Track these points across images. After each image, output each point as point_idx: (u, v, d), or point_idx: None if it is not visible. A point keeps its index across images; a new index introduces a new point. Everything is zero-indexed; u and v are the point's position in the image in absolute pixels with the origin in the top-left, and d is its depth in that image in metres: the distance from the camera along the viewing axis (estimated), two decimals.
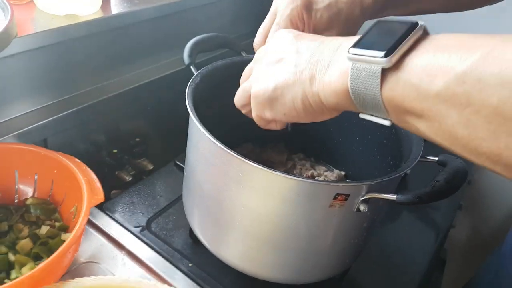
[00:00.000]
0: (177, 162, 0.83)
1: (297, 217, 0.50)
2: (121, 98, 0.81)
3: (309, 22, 0.53)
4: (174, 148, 0.84)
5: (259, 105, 0.44)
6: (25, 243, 0.58)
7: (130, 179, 0.84)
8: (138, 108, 0.87)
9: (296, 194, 0.48)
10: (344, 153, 0.75)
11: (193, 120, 0.51)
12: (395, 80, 0.32)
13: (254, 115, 0.46)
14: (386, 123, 0.35)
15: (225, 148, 0.47)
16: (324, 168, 0.77)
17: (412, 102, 0.31)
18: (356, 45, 0.34)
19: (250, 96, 0.45)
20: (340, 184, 0.50)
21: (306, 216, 0.50)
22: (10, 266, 0.56)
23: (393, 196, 0.46)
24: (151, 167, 0.87)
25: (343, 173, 0.75)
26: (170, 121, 0.86)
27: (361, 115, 0.37)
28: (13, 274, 0.55)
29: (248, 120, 0.49)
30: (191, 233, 0.68)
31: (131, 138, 0.87)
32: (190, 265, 0.64)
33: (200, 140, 0.52)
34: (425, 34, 0.32)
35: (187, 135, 0.59)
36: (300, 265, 0.56)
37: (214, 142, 0.48)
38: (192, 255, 0.65)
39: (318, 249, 0.54)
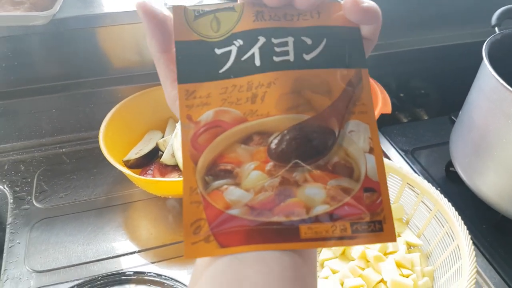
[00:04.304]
0: (452, 117, 0.95)
1: None
2: (414, 53, 0.98)
3: None
4: (451, 106, 0.96)
5: None
6: None
7: (406, 121, 1.01)
8: (428, 66, 1.02)
9: None
10: None
11: (485, 61, 0.63)
12: None
13: None
14: None
15: (506, 85, 0.58)
16: None
17: None
18: None
19: None
20: None
21: None
22: None
23: None
24: (426, 118, 1.01)
25: None
26: (453, 82, 0.98)
27: None
28: None
29: None
30: (447, 168, 0.80)
31: (418, 90, 1.03)
32: (438, 189, 0.77)
33: (486, 79, 0.64)
34: None
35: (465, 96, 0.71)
36: None
37: (497, 79, 0.59)
38: (442, 182, 0.79)
39: None
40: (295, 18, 0.28)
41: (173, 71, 0.29)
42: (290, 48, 0.27)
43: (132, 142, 0.78)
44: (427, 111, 1.02)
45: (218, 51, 0.27)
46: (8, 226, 0.68)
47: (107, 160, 0.67)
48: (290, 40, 0.27)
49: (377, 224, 0.25)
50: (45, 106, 0.84)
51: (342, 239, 0.24)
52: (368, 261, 0.61)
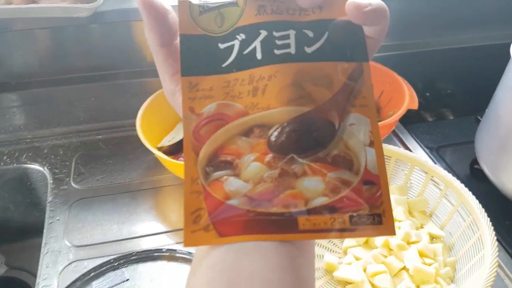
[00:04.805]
0: (478, 117, 0.95)
1: None
2: (442, 54, 0.99)
3: None
4: (477, 107, 0.96)
5: None
6: None
7: (431, 120, 1.02)
8: (455, 66, 1.03)
9: None
10: None
11: None
12: None
13: None
14: None
15: None
16: None
17: None
18: None
19: None
20: None
21: None
22: None
23: None
24: (451, 118, 1.02)
25: None
26: (479, 84, 0.98)
27: None
28: None
29: None
30: (472, 166, 0.81)
31: (444, 90, 1.04)
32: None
33: None
34: None
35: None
36: None
37: None
38: (466, 180, 0.79)
39: None
40: (297, 13, 0.28)
41: (172, 65, 0.29)
42: (292, 41, 0.27)
43: (165, 130, 0.82)
44: (453, 111, 1.02)
45: (222, 46, 0.28)
46: (48, 204, 0.73)
47: (141, 147, 0.71)
48: (292, 33, 0.27)
49: (376, 217, 0.25)
50: (84, 95, 0.88)
51: (340, 231, 0.25)
52: (391, 249, 0.62)
